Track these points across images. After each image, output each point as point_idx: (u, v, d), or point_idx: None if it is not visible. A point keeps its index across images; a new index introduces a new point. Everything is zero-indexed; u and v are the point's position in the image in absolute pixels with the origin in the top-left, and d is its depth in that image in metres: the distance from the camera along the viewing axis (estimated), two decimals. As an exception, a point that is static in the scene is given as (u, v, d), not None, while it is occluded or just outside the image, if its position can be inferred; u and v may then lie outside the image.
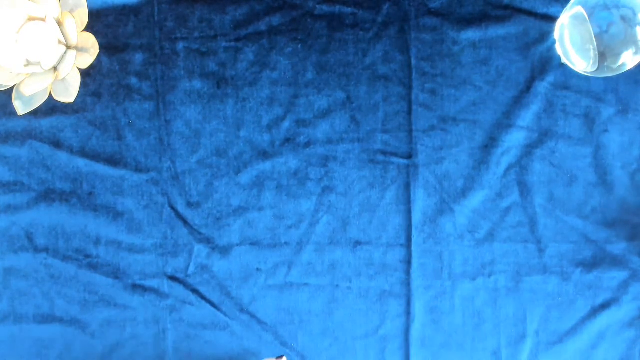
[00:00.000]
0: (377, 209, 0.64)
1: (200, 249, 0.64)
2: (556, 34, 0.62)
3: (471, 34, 0.64)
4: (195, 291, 0.64)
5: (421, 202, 0.64)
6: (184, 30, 0.64)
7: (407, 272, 0.64)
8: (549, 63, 0.64)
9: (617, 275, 0.64)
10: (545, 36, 0.64)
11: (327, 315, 0.64)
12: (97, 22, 0.63)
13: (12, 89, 0.64)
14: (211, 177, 0.64)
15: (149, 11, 0.64)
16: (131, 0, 0.64)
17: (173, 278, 0.64)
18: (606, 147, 0.64)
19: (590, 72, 0.61)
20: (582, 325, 0.64)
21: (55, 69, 0.63)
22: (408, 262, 0.64)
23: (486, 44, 0.64)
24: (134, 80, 0.64)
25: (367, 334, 0.64)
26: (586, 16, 0.59)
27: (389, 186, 0.64)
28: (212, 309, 0.64)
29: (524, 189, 0.64)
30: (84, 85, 0.64)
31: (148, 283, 0.63)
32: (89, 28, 0.64)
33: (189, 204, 0.64)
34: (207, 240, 0.64)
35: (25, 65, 0.63)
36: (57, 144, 0.64)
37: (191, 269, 0.64)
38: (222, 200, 0.64)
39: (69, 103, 0.64)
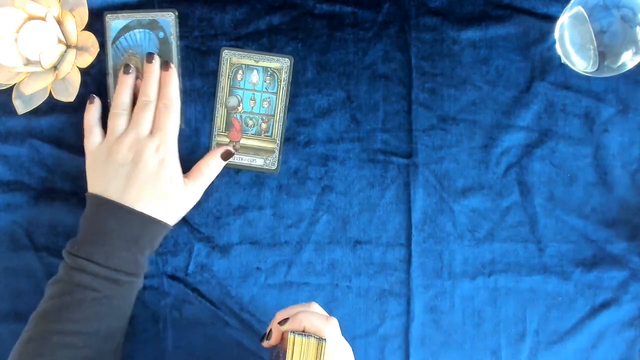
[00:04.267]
0: (377, 208, 0.64)
1: (200, 248, 0.64)
2: (556, 34, 0.62)
3: (471, 34, 0.64)
4: (195, 290, 0.64)
5: (421, 202, 0.64)
6: (184, 29, 0.64)
7: (407, 272, 0.64)
8: (549, 63, 0.64)
9: (617, 275, 0.64)
10: (545, 36, 0.64)
11: (327, 315, 0.64)
12: (97, 21, 0.63)
13: (12, 88, 0.64)
14: (211, 176, 0.64)
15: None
16: (131, -1, 0.64)
17: (173, 277, 0.64)
18: (606, 147, 0.64)
19: (590, 72, 0.61)
20: (581, 324, 0.64)
21: (55, 68, 0.63)
22: (408, 261, 0.64)
23: (486, 44, 0.64)
24: (134, 80, 0.64)
25: (366, 333, 0.64)
26: (586, 16, 0.59)
27: (389, 185, 0.64)
28: (212, 307, 0.64)
29: (524, 189, 0.64)
30: (84, 84, 0.64)
31: (148, 282, 0.63)
32: (89, 27, 0.64)
33: (189, 203, 0.64)
34: (207, 239, 0.64)
35: (25, 64, 0.63)
36: (57, 143, 0.64)
37: (191, 267, 0.64)
38: (221, 199, 0.64)
39: (69, 102, 0.64)
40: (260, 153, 0.63)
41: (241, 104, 0.63)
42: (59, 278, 0.56)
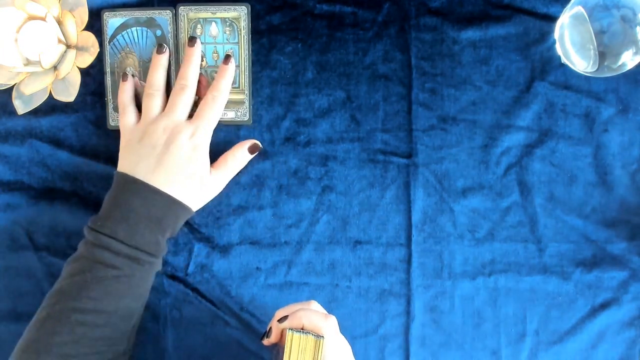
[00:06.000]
0: (377, 209, 0.64)
1: (200, 248, 0.64)
2: (556, 34, 0.62)
3: (471, 34, 0.64)
4: (195, 290, 0.64)
5: (421, 202, 0.64)
6: (184, 29, 0.64)
7: (407, 272, 0.64)
8: (549, 63, 0.64)
9: (617, 275, 0.64)
10: (545, 36, 0.64)
11: (327, 315, 0.64)
12: (97, 20, 0.63)
13: (12, 88, 0.64)
14: (211, 176, 0.64)
15: (149, 10, 0.64)
16: (131, -1, 0.64)
17: (173, 277, 0.64)
18: (606, 147, 0.64)
19: (590, 72, 0.61)
20: (581, 324, 0.64)
21: (55, 68, 0.63)
22: (408, 261, 0.64)
23: (486, 44, 0.64)
24: (134, 80, 0.64)
25: (366, 333, 0.64)
26: (586, 16, 0.59)
27: (389, 185, 0.64)
28: (212, 307, 0.64)
29: (524, 189, 0.64)
30: (84, 84, 0.64)
31: (148, 282, 0.63)
32: (89, 27, 0.64)
33: (189, 203, 0.64)
34: (207, 239, 0.64)
35: (25, 64, 0.63)
36: (57, 143, 0.64)
37: (191, 267, 0.64)
38: (222, 199, 0.64)
39: (69, 102, 0.64)
40: (231, 105, 0.63)
41: (204, 59, 0.63)
42: (79, 255, 0.56)
